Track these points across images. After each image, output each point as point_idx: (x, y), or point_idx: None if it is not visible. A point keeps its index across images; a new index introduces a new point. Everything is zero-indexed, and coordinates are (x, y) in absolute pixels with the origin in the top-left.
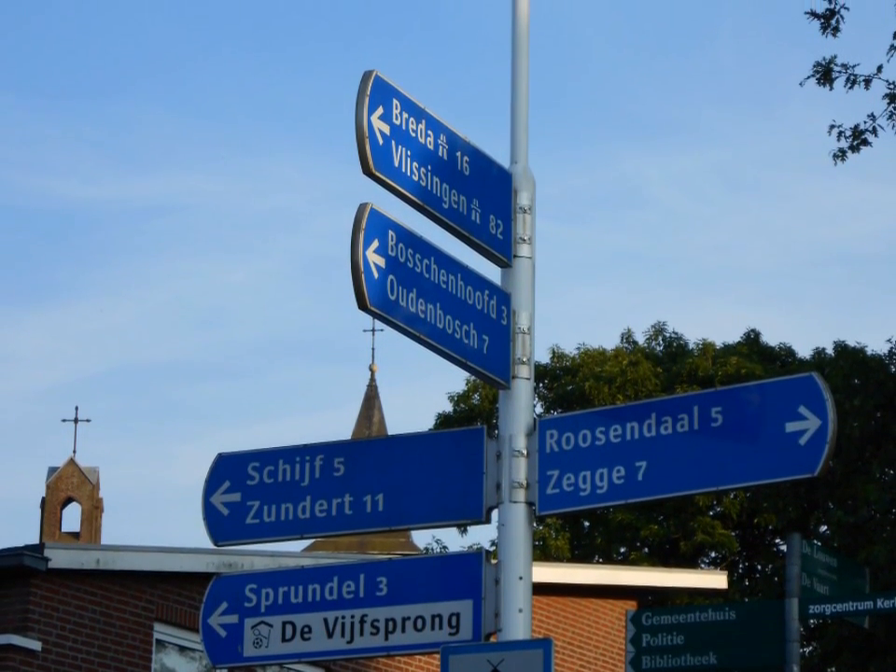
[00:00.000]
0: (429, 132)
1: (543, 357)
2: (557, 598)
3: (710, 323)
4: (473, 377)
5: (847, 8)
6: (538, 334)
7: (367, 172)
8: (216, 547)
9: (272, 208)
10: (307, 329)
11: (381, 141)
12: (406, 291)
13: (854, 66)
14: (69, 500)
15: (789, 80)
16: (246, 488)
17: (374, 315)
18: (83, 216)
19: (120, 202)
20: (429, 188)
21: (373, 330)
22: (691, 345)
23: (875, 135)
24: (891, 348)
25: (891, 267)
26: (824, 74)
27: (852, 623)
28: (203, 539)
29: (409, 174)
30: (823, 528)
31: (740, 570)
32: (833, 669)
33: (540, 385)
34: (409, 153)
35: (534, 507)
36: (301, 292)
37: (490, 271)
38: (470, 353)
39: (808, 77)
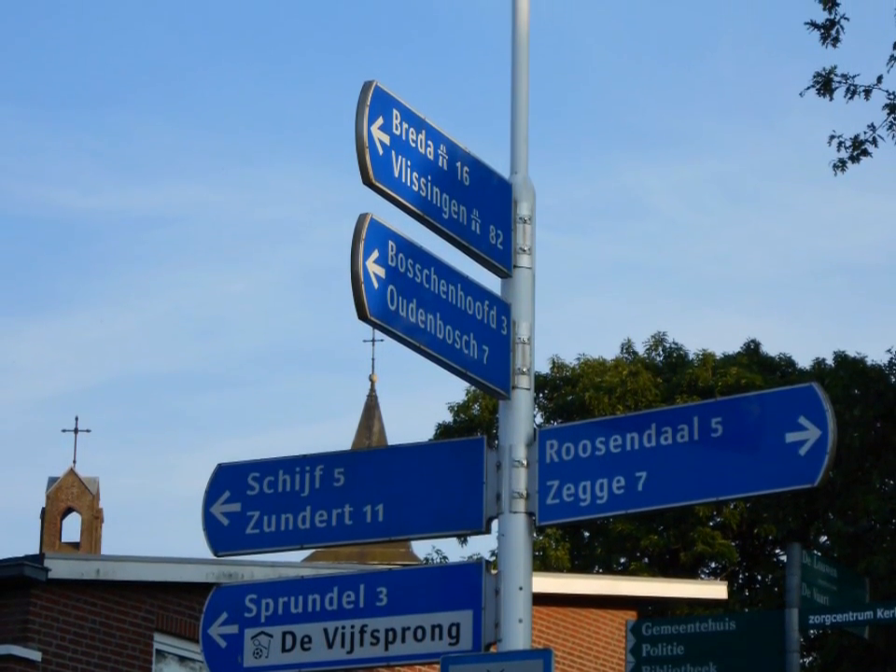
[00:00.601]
0: (429, 142)
1: (543, 367)
2: (557, 609)
3: (710, 333)
4: (473, 387)
5: (848, 19)
6: (538, 344)
7: (367, 182)
8: (216, 557)
9: (272, 219)
10: (307, 339)
11: (381, 151)
12: (406, 302)
13: (854, 77)
14: (69, 511)
15: (789, 91)
16: (246, 498)
17: (374, 326)
18: (83, 226)
19: (120, 212)
20: (429, 198)
21: (373, 341)
22: (691, 356)
23: (875, 146)
24: (891, 358)
25: (891, 277)
26: (824, 84)
27: (852, 634)
28: (203, 549)
29: (409, 184)
30: (823, 539)
31: (740, 581)
32: None
33: (540, 395)
34: (409, 163)
35: (534, 517)
36: (301, 302)
37: (490, 281)
38: (470, 363)
39: (808, 88)
